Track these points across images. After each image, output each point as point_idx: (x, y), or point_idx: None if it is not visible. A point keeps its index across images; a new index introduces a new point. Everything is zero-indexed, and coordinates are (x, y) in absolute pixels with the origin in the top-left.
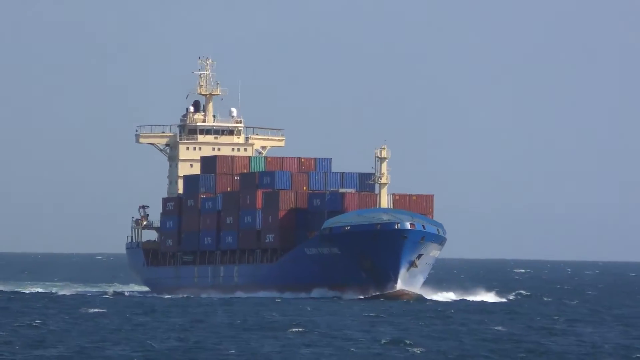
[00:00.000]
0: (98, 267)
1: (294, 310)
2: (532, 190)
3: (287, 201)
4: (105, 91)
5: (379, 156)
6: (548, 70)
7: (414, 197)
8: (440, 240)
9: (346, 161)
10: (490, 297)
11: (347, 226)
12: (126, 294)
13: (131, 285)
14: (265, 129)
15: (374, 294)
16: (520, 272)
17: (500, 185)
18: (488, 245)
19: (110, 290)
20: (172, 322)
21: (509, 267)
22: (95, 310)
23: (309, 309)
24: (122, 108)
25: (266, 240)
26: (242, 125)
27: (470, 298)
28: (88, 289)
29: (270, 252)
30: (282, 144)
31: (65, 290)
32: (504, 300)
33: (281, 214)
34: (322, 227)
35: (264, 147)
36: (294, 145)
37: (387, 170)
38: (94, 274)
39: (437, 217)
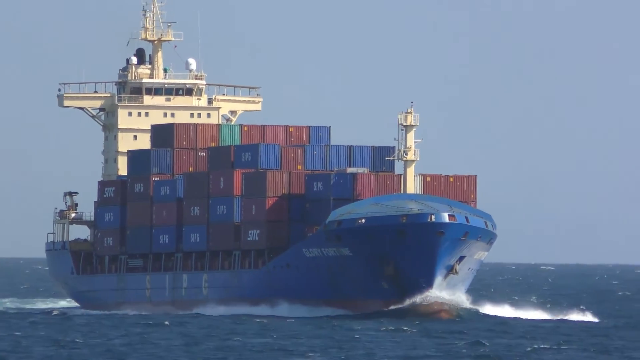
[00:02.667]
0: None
1: (286, 336)
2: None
3: (276, 185)
4: (15, 35)
5: (404, 123)
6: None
7: (451, 179)
8: (488, 237)
9: (350, 130)
10: (575, 315)
11: (362, 219)
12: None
13: (52, 300)
14: (235, 87)
15: (394, 307)
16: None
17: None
18: (519, 246)
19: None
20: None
21: (538, 271)
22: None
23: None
24: (39, 60)
25: (248, 239)
26: (203, 82)
27: (536, 314)
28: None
29: (254, 255)
30: (258, 107)
31: None
32: (595, 320)
33: (269, 202)
34: (327, 220)
35: (233, 112)
36: (274, 109)
37: (415, 142)
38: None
39: (481, 205)
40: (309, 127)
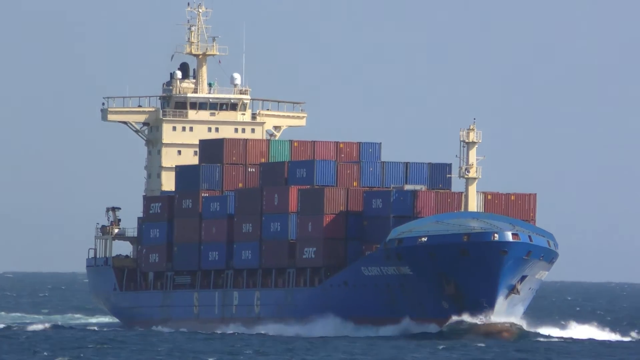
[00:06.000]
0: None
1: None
2: None
3: (334, 202)
4: (60, 49)
5: (466, 140)
6: None
7: (512, 197)
8: (551, 256)
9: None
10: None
11: (424, 237)
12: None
13: (95, 316)
14: (279, 102)
15: (453, 323)
16: None
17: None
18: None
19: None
20: None
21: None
22: None
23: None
24: (83, 74)
25: (304, 256)
26: (248, 97)
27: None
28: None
29: (310, 273)
30: (302, 122)
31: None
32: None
33: (326, 219)
34: (387, 238)
35: (277, 128)
36: (319, 124)
37: (477, 159)
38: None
39: (540, 224)
40: (360, 143)
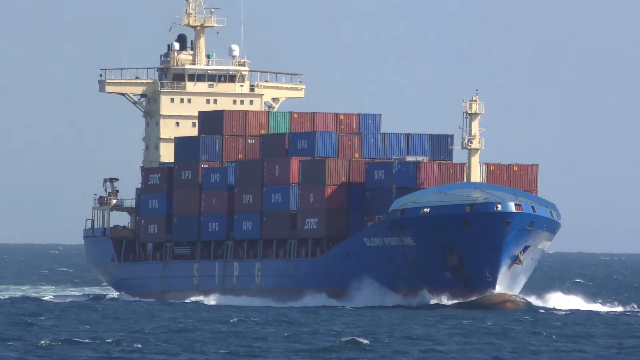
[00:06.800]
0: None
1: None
2: None
3: (336, 173)
4: (58, 21)
5: (469, 111)
6: None
7: (514, 168)
8: (553, 227)
9: (399, 118)
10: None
11: (426, 208)
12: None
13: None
14: (277, 73)
15: (467, 300)
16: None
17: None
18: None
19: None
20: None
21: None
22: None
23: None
24: (80, 44)
25: (305, 227)
26: (246, 69)
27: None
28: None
29: (311, 244)
30: (301, 94)
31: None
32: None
33: (328, 190)
34: (390, 209)
35: (275, 99)
36: (317, 96)
37: (479, 130)
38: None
39: (542, 194)
40: (359, 114)
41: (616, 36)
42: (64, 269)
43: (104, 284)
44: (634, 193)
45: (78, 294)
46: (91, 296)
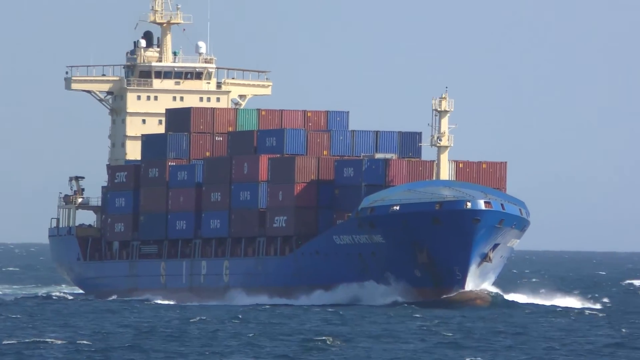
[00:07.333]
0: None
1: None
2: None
3: (305, 171)
4: (23, 17)
5: (439, 108)
6: None
7: (483, 165)
8: (522, 224)
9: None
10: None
11: (396, 205)
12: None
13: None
14: (244, 70)
15: (434, 298)
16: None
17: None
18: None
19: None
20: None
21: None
22: None
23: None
24: (46, 41)
25: (274, 225)
26: (213, 66)
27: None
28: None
29: (280, 242)
30: (268, 91)
31: None
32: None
33: (297, 188)
34: (360, 207)
35: (242, 97)
36: (284, 93)
37: (449, 128)
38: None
39: (510, 192)
40: (327, 111)
41: (584, 32)
42: (12, 269)
43: (64, 285)
44: (604, 190)
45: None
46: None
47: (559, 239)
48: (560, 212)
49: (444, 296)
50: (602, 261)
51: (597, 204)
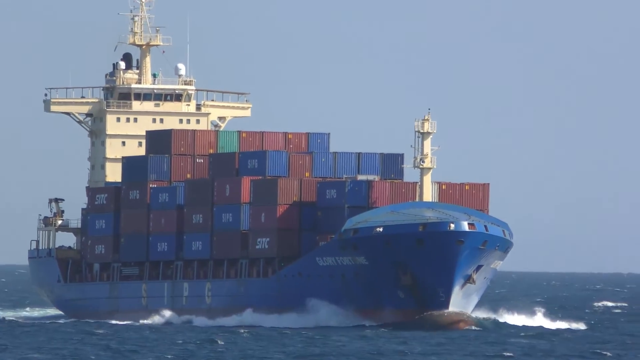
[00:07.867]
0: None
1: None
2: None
3: (288, 192)
4: (0, 38)
5: (421, 130)
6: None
7: (466, 187)
8: (506, 246)
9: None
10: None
11: (379, 227)
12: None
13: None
14: (224, 92)
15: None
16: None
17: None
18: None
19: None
20: None
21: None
22: None
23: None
24: (25, 63)
25: (257, 247)
26: (192, 88)
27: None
28: None
29: (263, 263)
30: (247, 113)
31: None
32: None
33: (280, 210)
34: (343, 228)
35: (222, 119)
36: (264, 115)
37: (432, 149)
38: None
39: (493, 213)
40: (308, 133)
41: (564, 52)
42: None
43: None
44: (586, 212)
45: None
46: None
47: (542, 260)
48: (543, 234)
49: (426, 313)
50: (568, 282)
51: (583, 224)
